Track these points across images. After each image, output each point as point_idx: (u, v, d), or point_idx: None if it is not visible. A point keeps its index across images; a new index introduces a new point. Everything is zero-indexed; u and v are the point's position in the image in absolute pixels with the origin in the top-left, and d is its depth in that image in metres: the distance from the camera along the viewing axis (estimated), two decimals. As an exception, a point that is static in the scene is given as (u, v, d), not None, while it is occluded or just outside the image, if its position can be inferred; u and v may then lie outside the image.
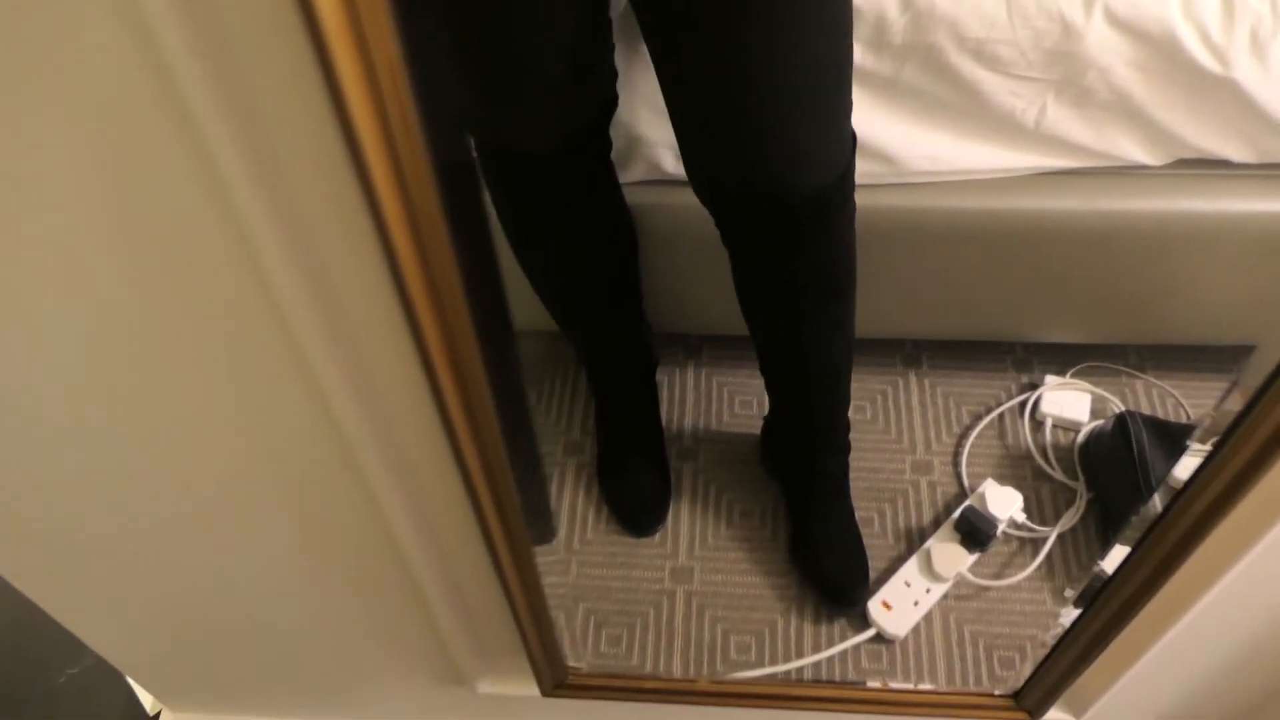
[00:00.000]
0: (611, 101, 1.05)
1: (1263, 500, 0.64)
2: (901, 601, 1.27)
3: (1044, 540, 1.31)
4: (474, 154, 1.06)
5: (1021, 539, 1.32)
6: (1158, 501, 0.75)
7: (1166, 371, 1.43)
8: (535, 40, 0.91)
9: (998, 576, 1.29)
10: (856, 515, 1.32)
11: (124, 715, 1.12)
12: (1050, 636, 0.91)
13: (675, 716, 1.06)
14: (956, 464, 1.39)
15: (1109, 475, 1.32)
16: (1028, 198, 1.19)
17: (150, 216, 0.45)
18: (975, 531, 1.28)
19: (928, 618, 1.27)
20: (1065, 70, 1.08)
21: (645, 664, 1.25)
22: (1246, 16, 1.04)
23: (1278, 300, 1.24)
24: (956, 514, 1.31)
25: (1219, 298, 1.27)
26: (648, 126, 1.12)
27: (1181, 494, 0.68)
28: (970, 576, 1.28)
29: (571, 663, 0.95)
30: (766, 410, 1.35)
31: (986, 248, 1.23)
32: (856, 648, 1.26)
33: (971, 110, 1.12)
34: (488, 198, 1.10)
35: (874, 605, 1.26)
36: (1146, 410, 1.41)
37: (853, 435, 1.40)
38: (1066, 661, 0.87)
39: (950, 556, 1.28)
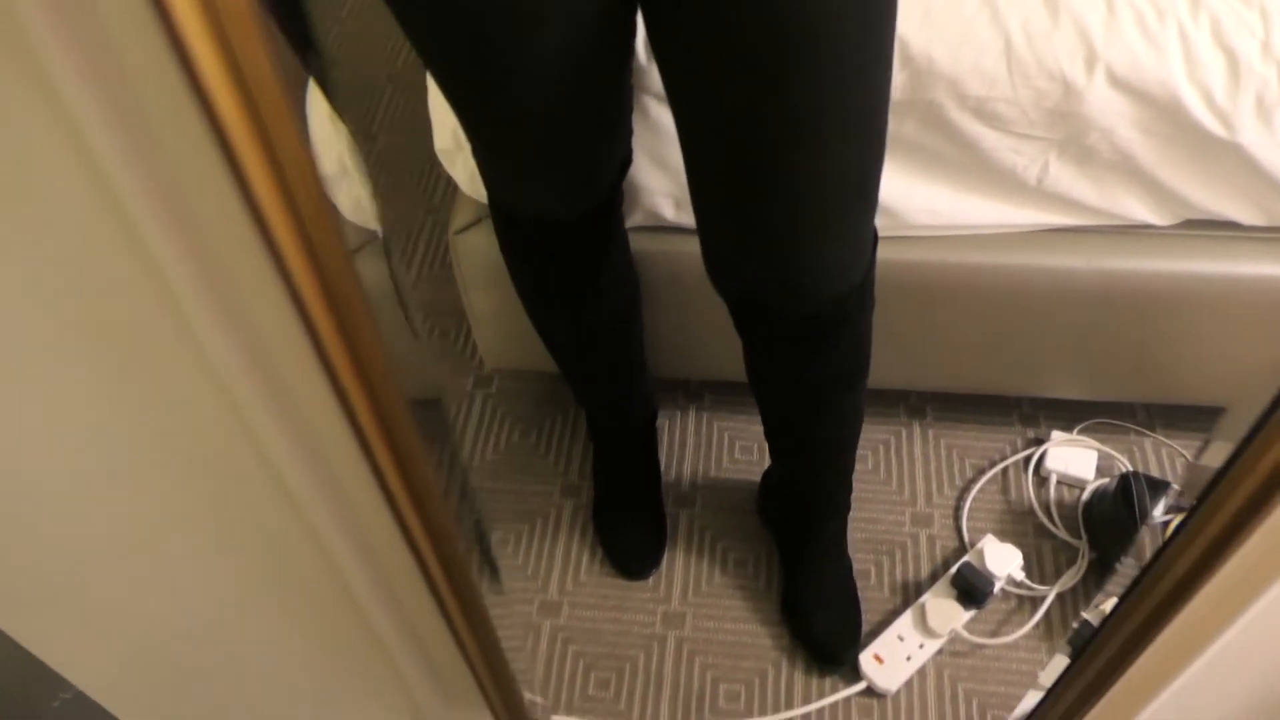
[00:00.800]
0: (628, 161, 1.05)
1: (1251, 564, 0.62)
2: (894, 656, 1.25)
3: (1043, 599, 1.29)
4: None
5: (1020, 597, 1.30)
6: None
7: (1176, 431, 1.41)
8: (563, 120, 0.89)
9: (994, 634, 1.28)
10: (854, 568, 1.31)
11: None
12: (1028, 702, 0.90)
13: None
14: (957, 518, 1.37)
15: (1111, 536, 1.30)
16: (1030, 254, 1.18)
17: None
18: (972, 588, 1.27)
19: (921, 673, 1.25)
20: (1067, 130, 1.07)
21: (633, 709, 1.24)
22: (1252, 81, 1.02)
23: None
24: (954, 569, 1.29)
25: (1228, 358, 1.25)
26: (647, 175, 1.13)
27: (1165, 548, 0.66)
28: (965, 634, 1.26)
29: (554, 709, 0.95)
30: (768, 457, 1.34)
31: (988, 303, 1.22)
32: (847, 701, 1.25)
33: (971, 166, 1.11)
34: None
35: (865, 658, 1.25)
36: (1155, 470, 1.39)
37: (854, 483, 1.39)
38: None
39: (946, 612, 1.27)
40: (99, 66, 0.36)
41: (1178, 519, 0.65)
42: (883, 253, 1.19)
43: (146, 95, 0.37)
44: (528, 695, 0.92)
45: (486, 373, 1.53)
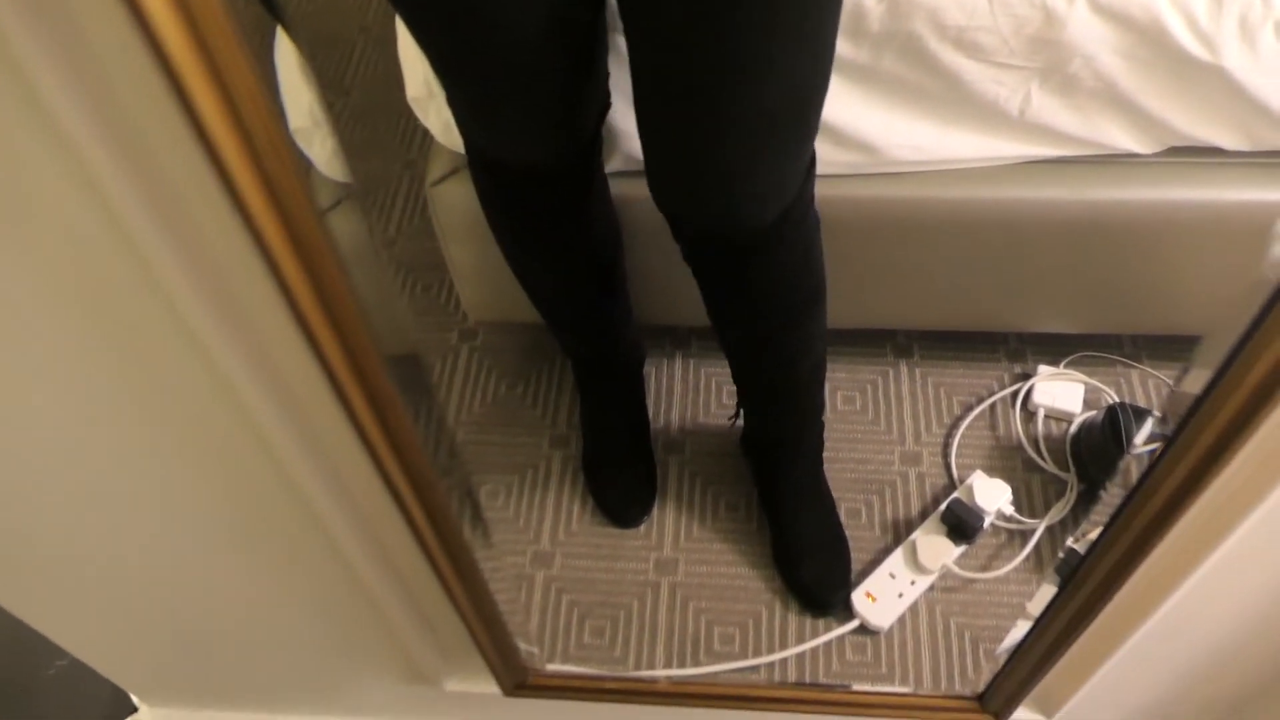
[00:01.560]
0: (606, 105, 1.03)
1: (1229, 494, 0.62)
2: (886, 593, 1.26)
3: (1032, 532, 1.30)
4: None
5: (1010, 531, 1.31)
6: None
7: (1162, 361, 1.41)
8: (537, 65, 0.88)
9: (985, 569, 1.28)
10: (842, 507, 1.31)
11: (111, 705, 1.14)
12: (1017, 633, 0.90)
13: (641, 716, 1.06)
14: (946, 455, 1.38)
15: (1099, 467, 1.31)
16: (1014, 187, 1.17)
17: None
18: (962, 524, 1.27)
19: (913, 610, 1.26)
20: (1049, 58, 1.05)
21: (629, 656, 1.25)
22: (1235, 3, 1.01)
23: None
24: (943, 506, 1.30)
25: (1213, 287, 1.24)
26: (626, 119, 1.11)
27: (1146, 477, 0.66)
28: (956, 569, 1.27)
29: (550, 658, 0.95)
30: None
31: (973, 238, 1.21)
32: (841, 639, 1.26)
33: (953, 99, 1.10)
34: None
35: (858, 596, 1.25)
36: (1143, 401, 1.39)
37: (842, 425, 1.39)
38: (1032, 659, 0.86)
39: (936, 548, 1.27)
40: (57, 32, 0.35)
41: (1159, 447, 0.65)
42: (866, 190, 1.18)
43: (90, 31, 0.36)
44: (523, 645, 0.92)
45: (471, 326, 1.51)
